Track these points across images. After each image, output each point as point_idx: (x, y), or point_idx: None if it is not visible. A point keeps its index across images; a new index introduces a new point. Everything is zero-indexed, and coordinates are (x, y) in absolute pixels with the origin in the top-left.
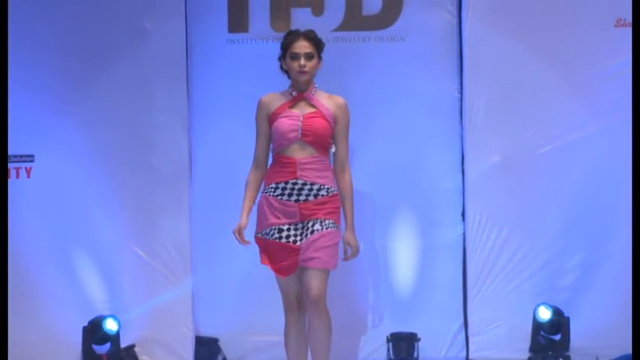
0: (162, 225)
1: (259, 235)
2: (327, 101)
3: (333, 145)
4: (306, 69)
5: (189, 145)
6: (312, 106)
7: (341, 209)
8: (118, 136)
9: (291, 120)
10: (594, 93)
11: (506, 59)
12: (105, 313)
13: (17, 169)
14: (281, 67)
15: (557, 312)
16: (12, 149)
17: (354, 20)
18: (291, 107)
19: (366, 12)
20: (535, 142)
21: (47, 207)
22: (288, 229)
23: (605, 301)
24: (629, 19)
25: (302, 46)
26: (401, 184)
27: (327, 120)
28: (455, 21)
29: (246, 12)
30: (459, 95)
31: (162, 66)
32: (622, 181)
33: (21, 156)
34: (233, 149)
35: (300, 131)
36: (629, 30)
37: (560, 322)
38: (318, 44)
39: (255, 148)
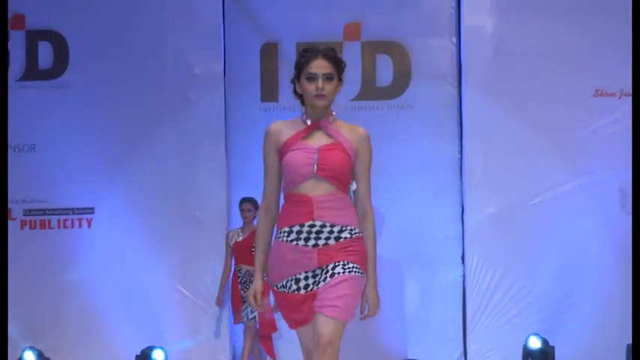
0: (204, 267)
1: (276, 287)
2: (346, 131)
3: (354, 182)
4: (325, 92)
5: (227, 198)
6: (330, 136)
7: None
8: (166, 192)
9: (306, 153)
10: (576, 154)
11: (501, 124)
12: (155, 344)
13: (79, 220)
14: (294, 91)
15: (545, 342)
16: (74, 202)
17: (369, 90)
18: (304, 138)
19: (379, 83)
20: (526, 195)
21: (106, 252)
22: (306, 278)
23: (587, 333)
24: (607, 89)
25: (320, 66)
26: (409, 232)
27: (347, 153)
28: (456, 92)
29: (276, 84)
30: (459, 155)
31: (204, 130)
32: (599, 227)
33: (83, 209)
34: None
35: (315, 165)
36: (607, 99)
37: (547, 351)
38: (338, 64)
39: (264, 189)
